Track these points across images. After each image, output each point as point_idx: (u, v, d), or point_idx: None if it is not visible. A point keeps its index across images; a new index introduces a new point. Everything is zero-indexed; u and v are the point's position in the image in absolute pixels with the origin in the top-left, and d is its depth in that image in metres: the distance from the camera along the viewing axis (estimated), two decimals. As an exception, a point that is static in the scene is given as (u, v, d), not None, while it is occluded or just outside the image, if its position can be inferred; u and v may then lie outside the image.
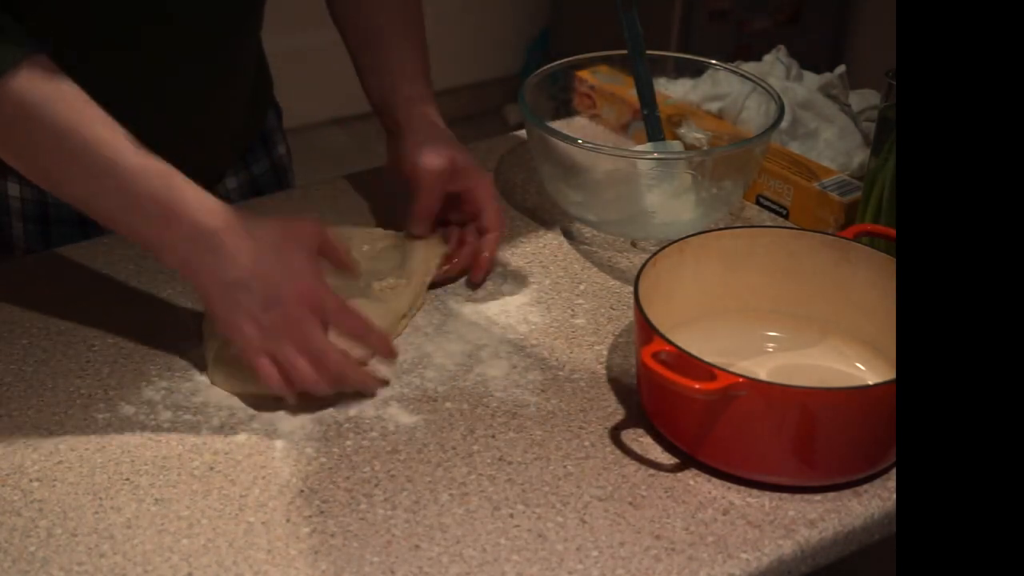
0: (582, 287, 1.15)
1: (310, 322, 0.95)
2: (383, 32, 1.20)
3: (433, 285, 1.12)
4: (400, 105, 1.17)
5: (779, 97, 1.22)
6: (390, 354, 1.00)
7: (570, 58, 1.32)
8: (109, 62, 1.11)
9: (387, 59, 1.19)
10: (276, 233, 0.97)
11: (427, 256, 1.12)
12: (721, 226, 1.17)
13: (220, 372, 1.00)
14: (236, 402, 0.98)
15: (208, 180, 1.27)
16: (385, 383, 1.00)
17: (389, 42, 1.20)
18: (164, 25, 1.12)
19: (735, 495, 0.90)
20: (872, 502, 0.90)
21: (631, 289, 1.06)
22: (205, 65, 1.18)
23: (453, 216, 1.16)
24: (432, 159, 1.11)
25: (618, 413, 0.98)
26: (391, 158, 1.18)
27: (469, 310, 1.11)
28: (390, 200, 1.28)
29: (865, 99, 1.40)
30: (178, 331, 1.06)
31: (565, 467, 0.92)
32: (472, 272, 1.13)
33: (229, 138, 1.29)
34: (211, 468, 0.92)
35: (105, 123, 0.95)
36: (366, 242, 1.16)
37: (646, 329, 0.91)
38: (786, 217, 1.26)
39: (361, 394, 0.99)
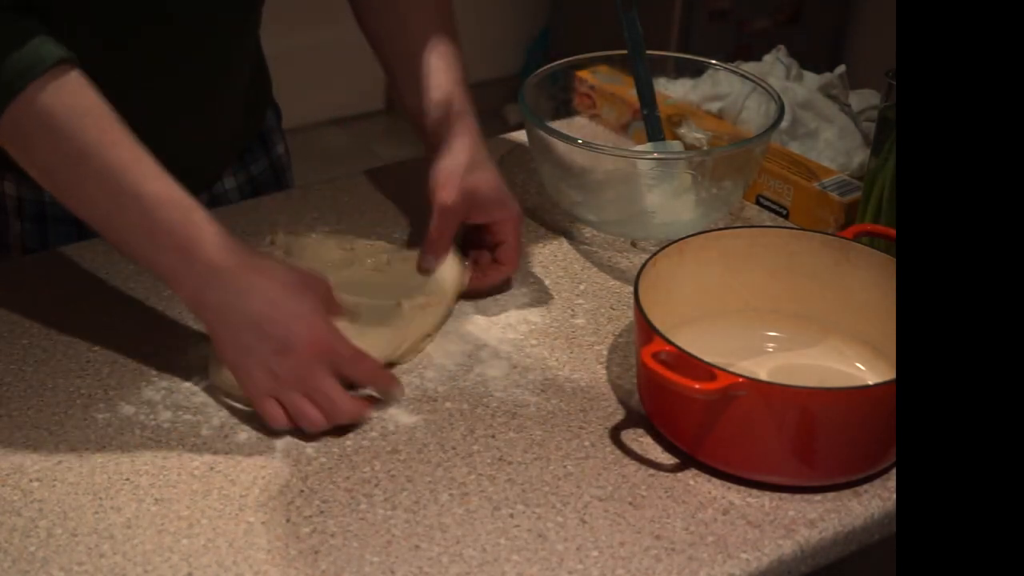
0: (582, 287, 1.15)
1: (322, 371, 0.93)
2: (414, 56, 1.15)
3: None
4: (440, 123, 1.12)
5: (779, 97, 1.22)
6: (400, 394, 0.99)
7: (570, 58, 1.32)
8: (108, 61, 1.11)
9: (421, 81, 1.14)
10: (290, 277, 0.95)
11: (455, 276, 1.10)
12: (721, 226, 1.17)
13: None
14: (236, 402, 0.98)
15: (207, 180, 1.28)
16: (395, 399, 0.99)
17: (423, 64, 1.14)
18: (163, 25, 1.12)
19: (735, 495, 0.90)
20: (872, 502, 0.90)
21: (631, 289, 1.06)
22: (204, 65, 1.18)
23: (477, 240, 1.13)
24: (447, 193, 1.07)
25: (618, 413, 0.98)
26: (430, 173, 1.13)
27: (469, 310, 1.11)
28: (389, 200, 1.28)
29: (865, 99, 1.40)
30: (178, 331, 1.06)
31: (565, 467, 0.92)
32: (471, 283, 1.12)
33: (228, 138, 1.29)
34: (211, 468, 0.92)
35: (130, 146, 0.93)
36: (370, 255, 1.14)
37: (646, 329, 0.91)
38: (786, 217, 1.26)
39: (362, 393, 0.99)
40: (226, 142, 1.29)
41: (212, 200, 1.28)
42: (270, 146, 1.37)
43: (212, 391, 0.99)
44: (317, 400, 0.93)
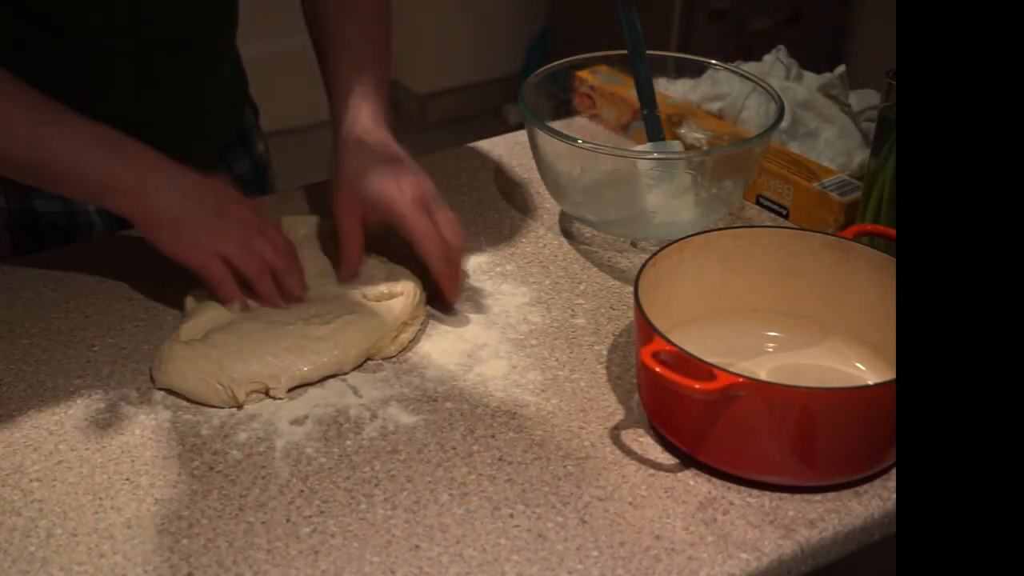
0: (582, 287, 1.15)
1: (253, 230, 1.04)
2: (332, 42, 1.19)
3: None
4: (337, 124, 1.15)
5: (779, 97, 1.22)
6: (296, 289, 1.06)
7: (570, 58, 1.32)
8: (88, 63, 1.12)
9: (332, 72, 1.18)
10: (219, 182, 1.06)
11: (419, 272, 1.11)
12: (721, 226, 1.17)
13: (163, 368, 0.99)
14: (185, 399, 0.98)
15: None
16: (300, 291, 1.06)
17: (337, 53, 1.19)
18: (141, 25, 1.12)
19: (735, 495, 0.90)
20: (872, 502, 0.90)
21: (631, 289, 1.06)
22: (183, 65, 1.19)
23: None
24: (340, 206, 1.10)
25: (618, 413, 0.98)
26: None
27: (469, 310, 1.11)
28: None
29: (865, 99, 1.40)
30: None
31: (565, 467, 0.92)
32: (445, 298, 1.10)
33: (209, 139, 1.29)
34: (211, 468, 0.92)
35: (39, 94, 1.02)
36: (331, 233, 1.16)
37: (646, 329, 0.91)
38: (786, 217, 1.26)
39: (362, 393, 0.99)
40: (208, 143, 1.29)
41: None
42: (250, 145, 1.37)
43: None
44: (255, 244, 1.03)
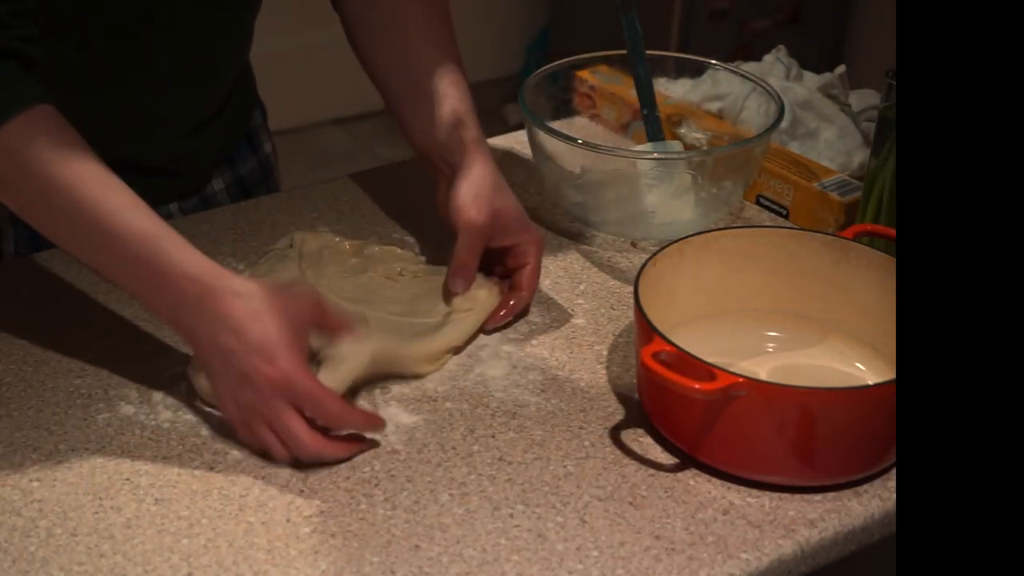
0: (582, 287, 1.15)
1: (280, 407, 0.89)
2: (423, 83, 1.13)
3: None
4: (454, 150, 1.09)
5: (779, 97, 1.22)
6: (376, 427, 0.94)
7: (570, 58, 1.32)
8: (96, 67, 1.12)
9: (434, 107, 1.12)
10: (256, 305, 0.91)
11: (486, 293, 1.08)
12: (721, 226, 1.17)
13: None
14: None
15: (196, 183, 1.28)
16: (363, 444, 0.94)
17: (433, 90, 1.12)
18: (154, 31, 1.12)
19: (735, 495, 0.90)
20: (872, 502, 0.90)
21: (631, 289, 1.06)
22: (195, 71, 1.19)
23: (498, 269, 1.11)
24: (476, 213, 1.05)
25: (618, 413, 0.98)
26: (441, 200, 1.11)
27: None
28: (389, 200, 1.28)
29: (865, 99, 1.40)
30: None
31: (565, 467, 0.92)
32: (488, 319, 1.07)
33: (218, 141, 1.29)
34: (211, 468, 0.92)
35: (99, 180, 0.93)
36: (382, 262, 1.13)
37: (646, 329, 0.91)
38: (786, 217, 1.26)
39: (360, 392, 0.99)
40: (216, 145, 1.29)
41: (202, 203, 1.29)
42: (257, 145, 1.37)
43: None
44: (278, 433, 0.90)
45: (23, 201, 0.95)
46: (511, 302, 1.08)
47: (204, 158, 1.28)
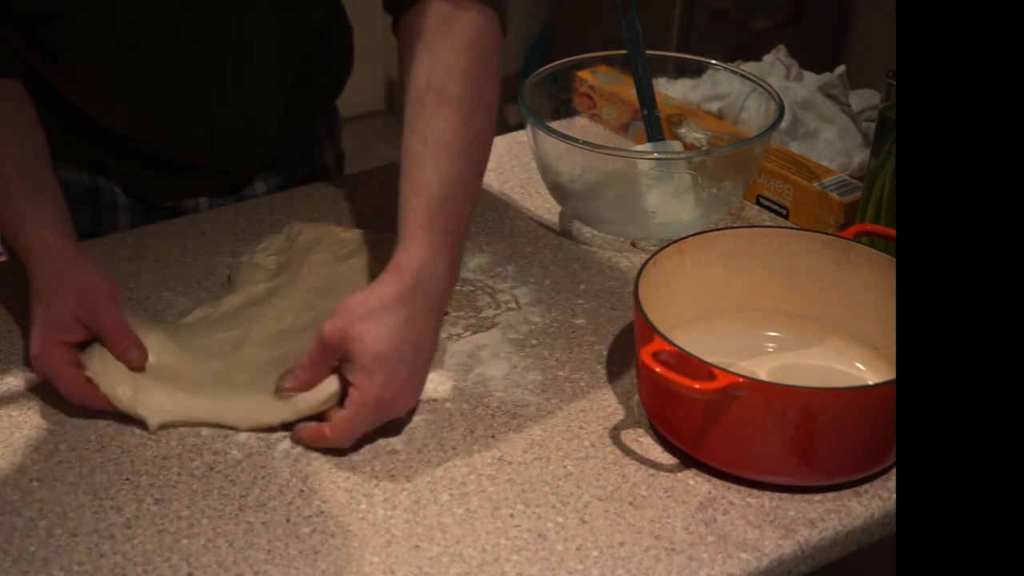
0: (582, 287, 1.15)
1: (44, 366, 0.96)
2: (405, 167, 1.00)
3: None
4: (390, 261, 0.97)
5: (779, 97, 1.22)
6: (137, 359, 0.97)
7: (570, 58, 1.32)
8: (146, 66, 1.13)
9: (400, 198, 1.00)
10: (42, 289, 0.99)
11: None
12: (721, 226, 1.17)
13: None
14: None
15: (237, 181, 1.28)
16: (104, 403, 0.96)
17: (406, 179, 1.00)
18: (200, 27, 1.12)
19: (735, 495, 0.90)
20: (872, 502, 0.90)
21: (631, 289, 1.06)
22: (229, 71, 1.17)
23: None
24: (330, 329, 0.92)
25: (618, 413, 0.98)
26: None
27: (470, 310, 1.11)
28: (389, 200, 1.28)
29: (865, 99, 1.40)
30: (178, 331, 1.06)
31: (565, 467, 0.92)
32: (297, 428, 0.95)
33: (265, 144, 1.27)
34: (211, 468, 0.92)
35: (20, 158, 1.01)
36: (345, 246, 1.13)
37: (646, 329, 0.91)
38: (786, 217, 1.26)
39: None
40: (264, 149, 1.27)
41: (237, 201, 1.28)
42: (315, 153, 1.35)
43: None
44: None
45: None
46: (317, 428, 0.93)
47: (248, 160, 1.28)
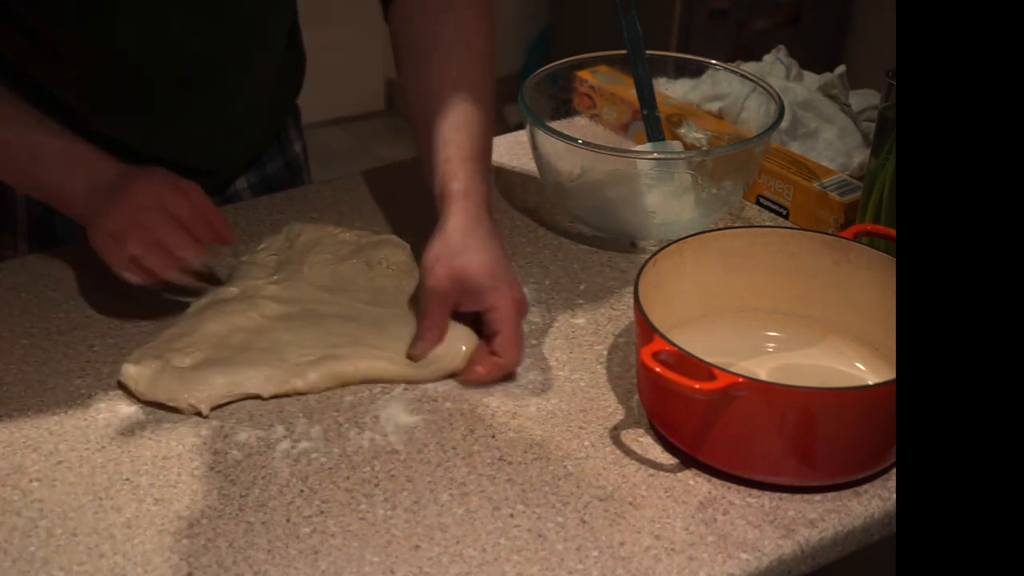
0: (582, 287, 1.15)
1: (155, 219, 1.02)
2: (431, 124, 1.08)
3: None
4: (440, 199, 1.04)
5: (779, 97, 1.22)
6: (222, 239, 1.06)
7: (570, 58, 1.32)
8: (118, 74, 1.13)
9: (431, 152, 1.07)
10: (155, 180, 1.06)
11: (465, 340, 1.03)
12: (721, 226, 1.17)
13: (124, 370, 0.99)
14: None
15: (224, 180, 1.28)
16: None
17: (437, 133, 1.07)
18: (168, 40, 1.12)
19: (735, 495, 0.90)
20: (872, 502, 0.90)
21: (631, 289, 1.06)
22: (225, 76, 1.18)
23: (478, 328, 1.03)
24: (431, 279, 1.00)
25: (618, 413, 0.98)
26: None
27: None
28: (389, 200, 1.28)
29: (865, 99, 1.40)
30: (178, 331, 1.07)
31: (565, 467, 0.92)
32: (464, 373, 1.01)
33: (246, 143, 1.28)
34: (211, 468, 0.92)
35: (10, 100, 1.06)
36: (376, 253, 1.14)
37: (646, 329, 0.91)
38: (786, 217, 1.26)
39: (360, 392, 0.99)
40: (250, 146, 1.29)
41: (224, 202, 1.29)
42: (285, 144, 1.37)
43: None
44: (159, 238, 1.02)
45: None
46: (492, 362, 1.00)
47: (236, 159, 1.28)
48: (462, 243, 1.00)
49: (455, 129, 1.06)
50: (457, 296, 1.00)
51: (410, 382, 1.01)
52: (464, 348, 1.01)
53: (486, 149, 1.08)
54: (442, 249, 1.00)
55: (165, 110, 1.17)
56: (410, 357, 1.01)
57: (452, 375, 1.01)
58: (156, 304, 1.10)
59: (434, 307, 1.00)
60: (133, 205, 1.03)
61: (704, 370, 0.87)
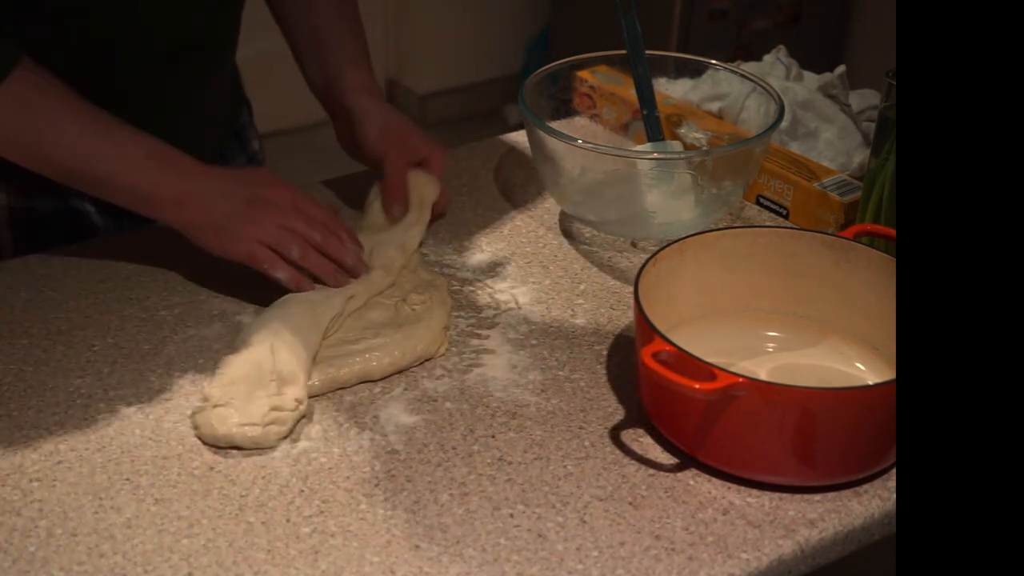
0: (582, 287, 1.15)
1: (287, 209, 1.07)
2: (320, 28, 1.25)
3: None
4: (347, 92, 1.21)
5: (779, 97, 1.22)
6: (357, 271, 1.09)
7: (570, 58, 1.32)
8: (89, 70, 1.12)
9: (329, 51, 1.24)
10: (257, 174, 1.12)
11: (431, 189, 1.20)
12: (721, 226, 1.17)
13: (199, 417, 0.96)
14: (217, 447, 0.98)
15: None
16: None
17: (329, 36, 1.25)
18: (140, 33, 1.13)
19: (735, 495, 0.90)
20: (872, 502, 0.90)
21: (631, 289, 1.06)
22: (186, 72, 1.19)
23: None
24: (397, 154, 1.18)
25: (618, 413, 0.98)
26: (345, 140, 1.24)
27: (469, 310, 1.11)
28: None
29: (865, 99, 1.40)
30: (178, 331, 1.06)
31: (565, 467, 0.92)
32: (436, 213, 1.21)
33: (211, 139, 1.30)
34: (211, 468, 0.92)
35: (91, 105, 1.06)
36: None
37: (646, 329, 0.91)
38: (786, 217, 1.26)
39: (360, 392, 0.99)
40: (212, 145, 1.30)
41: None
42: (245, 142, 1.38)
43: (212, 391, 0.99)
44: (295, 226, 1.06)
45: (32, 132, 1.04)
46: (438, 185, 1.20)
47: (209, 157, 1.28)
48: (393, 117, 1.21)
49: (347, 34, 1.25)
50: (407, 156, 1.19)
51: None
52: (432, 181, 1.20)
53: (368, 54, 1.28)
54: (381, 125, 1.20)
55: (140, 99, 1.17)
56: (390, 217, 1.16)
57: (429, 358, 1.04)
58: (157, 304, 1.10)
59: (395, 170, 1.17)
60: (276, 211, 1.07)
61: (704, 370, 0.87)
